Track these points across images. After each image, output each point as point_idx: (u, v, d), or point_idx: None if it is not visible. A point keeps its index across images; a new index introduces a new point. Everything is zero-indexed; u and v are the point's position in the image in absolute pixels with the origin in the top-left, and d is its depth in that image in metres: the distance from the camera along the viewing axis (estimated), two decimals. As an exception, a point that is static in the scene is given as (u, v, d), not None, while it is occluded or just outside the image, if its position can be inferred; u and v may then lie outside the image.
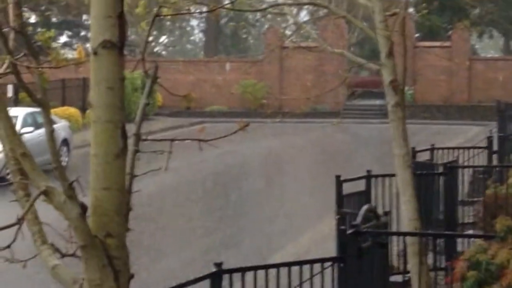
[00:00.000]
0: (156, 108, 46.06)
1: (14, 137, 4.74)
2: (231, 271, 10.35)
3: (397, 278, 13.81)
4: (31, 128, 26.35)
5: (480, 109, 44.98)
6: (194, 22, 66.35)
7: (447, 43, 53.92)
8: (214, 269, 10.08)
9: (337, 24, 36.87)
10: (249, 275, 10.58)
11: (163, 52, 67.62)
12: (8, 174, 4.50)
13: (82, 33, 62.32)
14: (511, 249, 9.81)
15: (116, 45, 4.55)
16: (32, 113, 29.09)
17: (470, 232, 15.50)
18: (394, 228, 13.76)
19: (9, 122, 4.76)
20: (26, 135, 4.44)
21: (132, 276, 4.84)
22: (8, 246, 4.76)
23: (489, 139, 23.57)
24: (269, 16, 31.06)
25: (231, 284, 10.22)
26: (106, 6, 4.58)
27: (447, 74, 52.19)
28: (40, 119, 7.21)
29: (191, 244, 19.40)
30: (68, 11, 50.96)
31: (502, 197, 15.46)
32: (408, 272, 13.55)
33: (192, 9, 14.92)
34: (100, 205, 4.64)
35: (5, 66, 4.77)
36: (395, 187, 14.02)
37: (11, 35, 4.81)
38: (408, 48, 17.35)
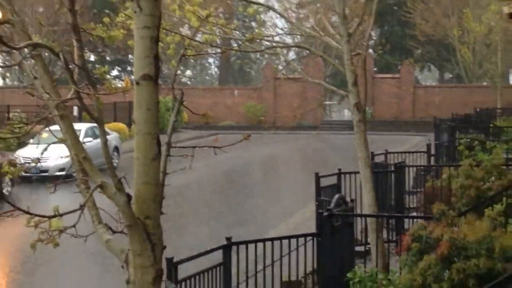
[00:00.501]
0: (182, 123, 47.21)
1: (78, 145, 5.09)
2: (238, 243, 10.87)
3: (360, 248, 14.13)
4: (90, 139, 26.79)
5: (422, 124, 45.63)
6: (211, 60, 67.40)
7: (397, 75, 55.73)
8: (225, 242, 10.72)
9: (316, 61, 37.88)
10: (251, 247, 11.15)
11: (188, 82, 68.74)
12: (73, 172, 4.79)
13: (128, 68, 63.78)
14: (444, 227, 10.07)
15: (153, 78, 4.90)
16: (91, 127, 29.71)
17: (414, 214, 15.93)
18: (358, 211, 14.09)
19: (75, 134, 5.14)
20: (87, 144, 4.73)
21: (164, 248, 5.16)
22: (74, 226, 5.04)
23: (428, 146, 23.87)
24: (266, 55, 31.80)
25: (238, 253, 10.72)
26: (145, 49, 4.90)
27: (397, 98, 53.68)
28: (97, 132, 7.66)
29: (208, 224, 20.04)
30: (118, 52, 52.51)
31: (438, 189, 15.73)
32: (368, 244, 14.11)
33: (209, 50, 15.41)
34: (141, 195, 4.99)
35: (71, 93, 4.97)
36: (359, 181, 14.43)
37: (76, 70, 5.09)
38: (368, 79, 17.81)
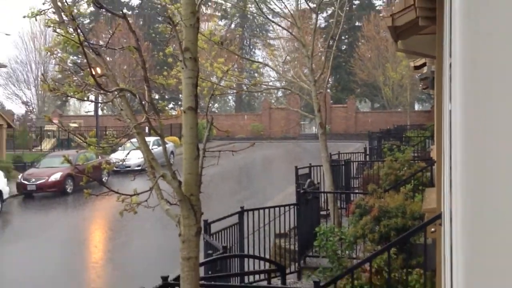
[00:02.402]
0: (212, 136, 47.76)
1: (148, 151, 5.03)
2: (248, 210, 10.90)
3: (323, 212, 13.91)
4: (156, 146, 26.47)
5: (360, 135, 45.51)
6: (230, 97, 67.39)
7: (345, 105, 55.37)
8: (239, 209, 10.75)
9: (295, 97, 38.23)
10: (256, 212, 11.21)
11: (215, 111, 68.79)
12: (146, 167, 4.80)
13: (179, 103, 64.48)
14: (375, 199, 10.06)
15: (194, 109, 4.83)
16: (156, 139, 29.56)
17: (356, 191, 15.98)
18: (322, 190, 14.06)
19: (146, 144, 5.06)
20: (154, 150, 4.71)
21: (202, 213, 4.98)
22: (146, 200, 5.11)
23: (365, 149, 24.07)
24: (264, 93, 32.19)
25: (247, 218, 10.89)
26: (189, 91, 4.95)
27: (345, 119, 53.69)
28: (159, 142, 7.76)
29: (228, 198, 19.86)
30: (173, 92, 52.82)
31: (371, 175, 15.76)
32: (328, 210, 13.96)
33: (229, 91, 15.48)
34: (187, 181, 4.91)
35: (144, 118, 5.04)
36: (322, 171, 14.42)
37: (146, 104, 4.99)
38: (327, 108, 17.91)
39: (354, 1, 57.60)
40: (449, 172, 3.88)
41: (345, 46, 58.11)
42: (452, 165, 1.90)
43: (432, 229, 6.44)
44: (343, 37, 56.29)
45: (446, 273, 4.06)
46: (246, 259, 9.70)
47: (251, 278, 9.37)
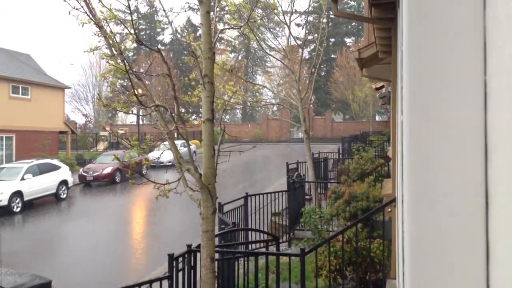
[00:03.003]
0: (224, 140, 47.39)
1: (176, 151, 5.08)
2: (251, 195, 10.84)
3: (308, 197, 13.77)
4: (182, 147, 26.14)
5: (335, 139, 44.93)
6: (238, 110, 66.94)
7: (323, 117, 54.40)
8: (245, 195, 10.72)
9: (286, 110, 37.82)
10: (258, 197, 11.14)
11: (226, 121, 68.18)
12: (175, 163, 4.76)
13: (200, 115, 64.23)
14: (346, 186, 10.04)
15: (211, 120, 4.84)
16: (183, 142, 29.37)
17: (333, 181, 15.87)
18: (306, 179, 13.97)
19: (175, 146, 5.14)
20: (181, 150, 4.66)
21: (217, 198, 5.06)
22: (175, 188, 5.09)
23: (338, 149, 24.13)
24: (263, 108, 32.28)
25: (250, 201, 10.83)
26: (207, 106, 4.94)
27: (323, 128, 52.95)
28: (185, 144, 7.65)
29: (236, 186, 19.55)
30: (195, 107, 52.22)
31: (343, 169, 15.77)
32: (311, 195, 13.81)
33: (237, 106, 15.41)
34: (206, 174, 4.92)
35: (173, 127, 5.02)
36: (307, 166, 14.17)
37: (175, 117, 5.09)
38: (310, 118, 17.86)
39: (330, 39, 57.50)
40: (401, 166, 3.91)
41: (323, 73, 58.03)
42: (400, 161, 1.93)
43: (389, 209, 6.45)
44: (322, 66, 56.22)
45: (398, 242, 4.08)
46: (249, 232, 9.72)
47: (254, 246, 9.39)
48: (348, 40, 62.04)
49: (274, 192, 11.98)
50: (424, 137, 0.99)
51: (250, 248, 8.80)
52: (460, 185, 1.02)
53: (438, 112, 1.00)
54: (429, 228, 1.02)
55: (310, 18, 47.25)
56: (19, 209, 18.97)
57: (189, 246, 6.19)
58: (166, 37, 69.64)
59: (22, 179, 19.74)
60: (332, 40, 59.68)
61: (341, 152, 24.87)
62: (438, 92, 1.00)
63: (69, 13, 4.56)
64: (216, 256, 5.71)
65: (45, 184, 20.83)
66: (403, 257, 3.41)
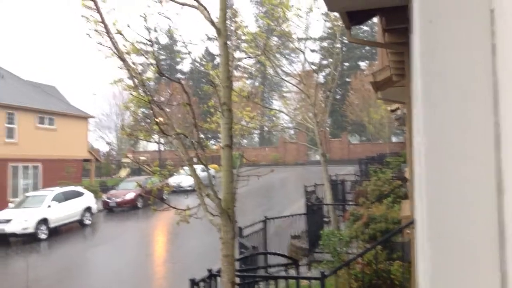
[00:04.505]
0: (242, 164, 47.36)
1: (196, 176, 5.06)
2: (270, 219, 10.82)
3: (326, 219, 13.55)
4: (201, 172, 26.41)
5: (352, 161, 44.30)
6: (255, 135, 67.12)
7: (340, 139, 54.21)
8: (264, 218, 10.64)
9: (303, 134, 37.28)
10: (276, 220, 11.14)
11: (244, 145, 68.23)
12: (195, 188, 4.74)
13: (219, 140, 64.19)
14: (364, 209, 9.93)
15: (229, 145, 4.85)
16: (202, 167, 29.47)
17: (351, 203, 15.60)
18: (324, 202, 13.77)
19: (195, 171, 5.09)
20: (200, 175, 4.67)
21: (236, 222, 5.11)
22: (195, 213, 5.22)
23: (355, 171, 24.00)
24: (280, 132, 32.32)
25: (270, 224, 10.70)
26: (226, 132, 5.01)
27: (340, 149, 52.79)
28: (204, 169, 7.57)
29: (255, 210, 19.17)
30: (214, 133, 52.47)
31: (361, 191, 15.53)
32: (329, 217, 13.53)
33: (255, 131, 15.51)
34: (226, 199, 4.90)
35: (194, 154, 5.16)
36: (324, 188, 14.12)
37: (195, 143, 5.18)
38: (326, 141, 17.75)
39: (344, 63, 57.73)
40: (419, 188, 3.86)
41: (339, 96, 58.00)
42: (418, 183, 1.91)
43: (408, 231, 6.34)
44: (337, 89, 56.21)
45: (418, 264, 3.99)
46: (269, 255, 9.63)
47: (273, 269, 9.28)
48: (362, 64, 62.19)
49: (293, 215, 11.92)
50: (442, 159, 1.00)
51: (269, 271, 8.70)
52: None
53: (455, 133, 1.01)
54: (449, 250, 1.02)
55: (325, 44, 47.65)
56: (45, 236, 19.16)
57: (209, 270, 6.17)
58: (185, 66, 70.79)
59: (48, 206, 20.00)
60: (347, 64, 59.91)
61: (358, 173, 24.66)
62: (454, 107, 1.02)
63: (94, 48, 4.70)
64: (237, 280, 5.66)
65: (70, 211, 21.06)
66: (423, 279, 3.33)
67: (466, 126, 1.04)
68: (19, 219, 18.75)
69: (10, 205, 21.77)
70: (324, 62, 33.85)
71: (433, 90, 1.05)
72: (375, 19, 6.35)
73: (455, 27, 1.02)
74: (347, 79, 57.95)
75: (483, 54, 1.03)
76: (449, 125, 1.05)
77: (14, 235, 18.74)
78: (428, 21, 0.99)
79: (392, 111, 16.39)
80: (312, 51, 52.05)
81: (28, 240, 18.68)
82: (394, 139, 56.68)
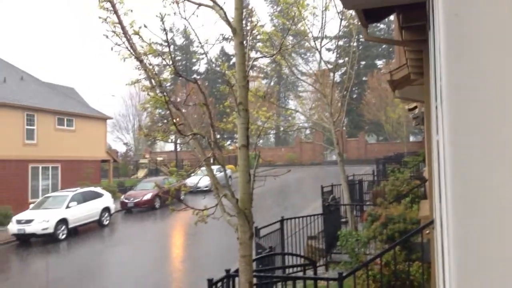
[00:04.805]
0: (259, 164, 47.15)
1: (213, 176, 5.08)
2: (286, 219, 10.75)
3: (343, 219, 13.35)
4: (218, 172, 26.50)
5: (369, 161, 43.44)
6: (271, 135, 66.83)
7: (357, 139, 53.63)
8: (280, 218, 10.61)
9: (319, 133, 36.77)
10: (293, 220, 11.06)
11: (260, 145, 68.08)
12: (212, 188, 4.72)
13: (235, 141, 64.47)
14: (382, 209, 9.84)
15: (246, 146, 4.83)
16: (218, 168, 29.35)
17: (368, 203, 15.41)
18: (341, 202, 13.68)
19: (212, 173, 5.14)
20: (217, 175, 4.66)
21: (253, 222, 5.04)
22: (213, 213, 5.19)
23: (373, 171, 23.68)
24: (296, 132, 32.17)
25: (286, 225, 10.69)
26: (242, 132, 5.05)
27: (357, 149, 52.64)
28: (221, 169, 7.56)
29: (271, 210, 18.83)
30: (229, 133, 52.44)
31: (378, 191, 15.37)
32: (347, 218, 13.47)
33: (270, 131, 15.45)
34: (243, 199, 4.88)
35: (210, 154, 5.22)
36: (341, 189, 14.00)
37: (212, 144, 5.18)
38: (343, 140, 17.58)
39: (361, 62, 57.25)
40: (438, 187, 3.79)
41: (355, 95, 57.62)
42: (442, 183, 1.87)
43: (427, 231, 6.25)
44: (353, 89, 55.84)
45: (438, 265, 3.92)
46: (286, 256, 9.60)
47: (290, 270, 9.26)
48: (379, 62, 61.64)
49: (310, 216, 11.82)
50: (467, 159, 0.96)
51: (287, 272, 8.67)
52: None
53: (481, 134, 0.97)
54: (475, 251, 0.98)
55: (341, 43, 47.35)
56: (64, 236, 19.43)
57: (227, 271, 6.17)
58: (201, 66, 71.08)
59: (67, 207, 20.27)
60: (363, 63, 59.41)
61: (375, 173, 24.41)
62: (480, 108, 0.98)
63: (112, 49, 4.73)
64: (254, 280, 5.64)
65: (88, 211, 21.32)
66: (443, 279, 3.26)
67: (496, 127, 1.00)
68: (40, 220, 19.04)
69: (31, 206, 22.12)
70: (340, 61, 33.70)
71: (460, 89, 1.01)
72: (392, 17, 6.27)
73: (483, 20, 0.98)
74: (364, 78, 57.52)
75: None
76: (476, 126, 1.00)
77: (34, 235, 19.04)
78: (453, 15, 0.95)
79: (410, 110, 16.19)
80: (328, 50, 51.51)
81: (48, 240, 18.95)
82: (412, 139, 56.01)
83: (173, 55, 5.24)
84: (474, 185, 1.03)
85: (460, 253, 1.06)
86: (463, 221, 1.05)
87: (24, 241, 19.21)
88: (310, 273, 7.77)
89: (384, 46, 59.42)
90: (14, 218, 19.74)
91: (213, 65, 45.73)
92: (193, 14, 4.86)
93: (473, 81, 1.00)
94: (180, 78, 5.57)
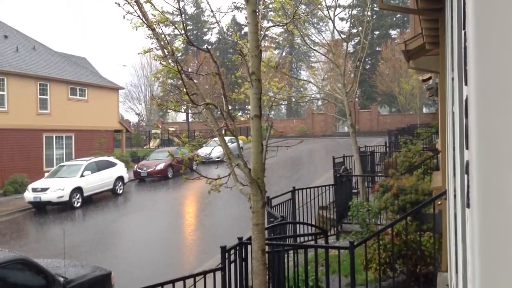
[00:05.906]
0: (271, 135, 47.13)
1: (226, 146, 5.11)
2: (298, 189, 10.85)
3: (355, 190, 13.36)
4: (230, 143, 26.55)
5: (381, 132, 42.99)
6: (283, 106, 66.12)
7: (369, 110, 53.18)
8: (291, 189, 10.65)
9: (331, 105, 36.16)
10: (305, 191, 11.14)
11: (272, 116, 67.51)
12: (224, 158, 4.82)
13: (247, 111, 64.26)
14: (394, 180, 9.83)
15: (258, 116, 4.86)
16: (230, 138, 29.42)
17: (380, 174, 15.42)
18: (353, 173, 13.61)
19: (225, 142, 5.17)
20: (230, 146, 4.67)
21: (266, 192, 5.12)
22: (226, 182, 5.22)
23: (385, 142, 23.64)
24: (308, 103, 31.86)
25: (298, 195, 10.76)
26: (255, 102, 5.01)
27: (369, 120, 52.35)
28: (233, 140, 7.49)
29: (283, 180, 18.87)
30: (241, 104, 52.31)
31: (390, 162, 15.35)
32: (358, 189, 13.47)
33: (282, 102, 15.37)
34: (255, 169, 4.93)
35: (223, 124, 5.19)
36: (353, 160, 13.92)
37: (224, 114, 5.24)
38: (356, 112, 17.47)
39: (375, 32, 56.15)
40: (453, 159, 3.78)
41: (368, 66, 56.78)
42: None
43: (439, 202, 6.27)
44: (367, 59, 55.00)
45: (450, 235, 3.94)
46: (298, 225, 9.71)
47: (302, 239, 9.37)
48: (393, 32, 60.40)
49: (321, 186, 11.86)
50: (493, 133, 0.93)
51: (299, 241, 8.78)
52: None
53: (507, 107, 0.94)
54: (486, 221, 0.98)
55: (354, 12, 46.36)
56: (79, 204, 19.82)
57: (240, 238, 6.26)
58: (212, 36, 70.41)
59: (82, 176, 20.59)
60: (377, 32, 58.33)
61: (387, 145, 24.32)
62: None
63: (124, 17, 4.70)
64: (266, 248, 5.74)
65: (103, 180, 21.64)
66: (455, 250, 3.28)
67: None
68: (55, 188, 19.41)
69: (46, 174, 22.51)
70: (354, 30, 33.10)
71: (492, 62, 0.96)
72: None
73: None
74: (378, 49, 56.54)
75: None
76: (498, 103, 0.96)
77: (49, 203, 19.44)
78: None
79: (424, 80, 15.95)
80: (341, 19, 50.70)
81: (63, 208, 19.35)
82: (425, 110, 55.42)
83: (184, 24, 5.19)
84: (495, 163, 1.01)
85: (475, 220, 1.06)
86: (478, 193, 1.04)
87: (40, 208, 19.65)
88: (321, 242, 7.88)
89: (398, 15, 58.10)
90: (30, 186, 20.13)
91: (225, 35, 45.33)
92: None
93: (508, 52, 0.95)
94: (191, 48, 5.56)
